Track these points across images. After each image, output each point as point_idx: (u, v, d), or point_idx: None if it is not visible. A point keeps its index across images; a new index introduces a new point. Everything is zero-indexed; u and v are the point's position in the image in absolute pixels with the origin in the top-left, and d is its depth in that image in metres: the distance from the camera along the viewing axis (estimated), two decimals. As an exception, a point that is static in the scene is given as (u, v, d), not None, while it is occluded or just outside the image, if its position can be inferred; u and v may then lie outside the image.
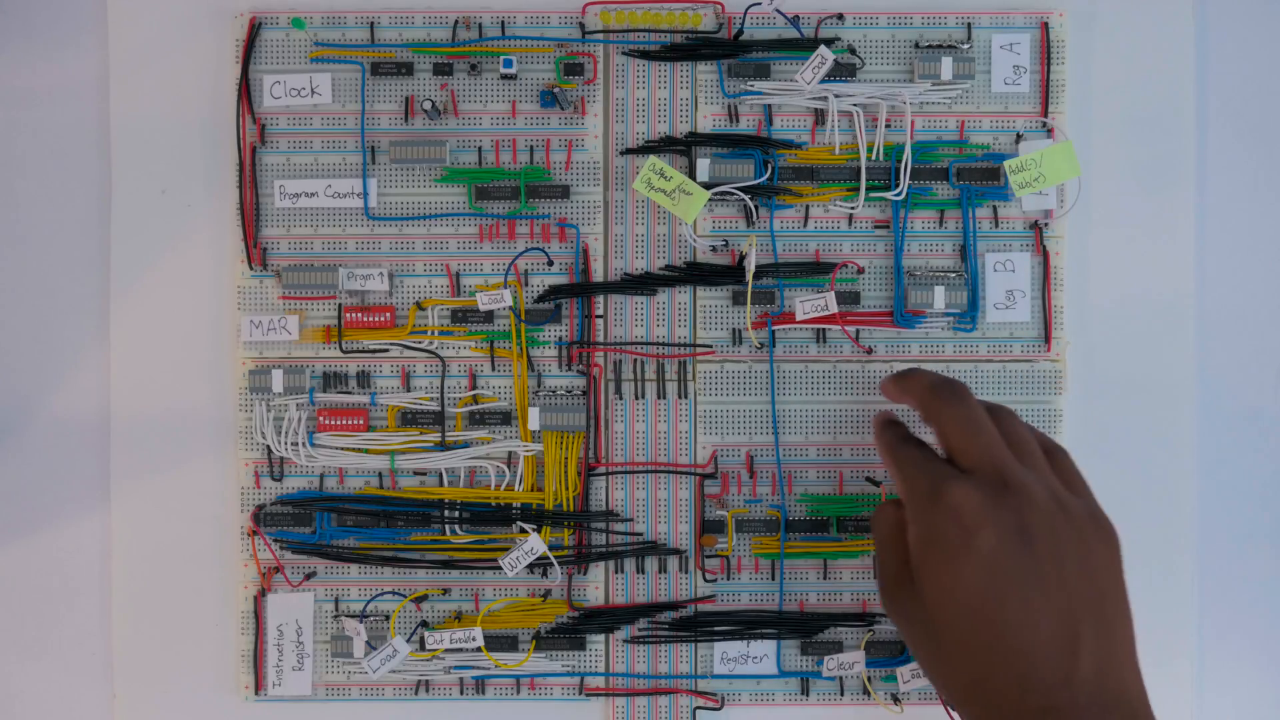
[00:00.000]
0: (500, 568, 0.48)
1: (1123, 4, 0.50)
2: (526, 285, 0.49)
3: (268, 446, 0.49)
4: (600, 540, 0.49)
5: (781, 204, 0.49)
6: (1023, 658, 0.33)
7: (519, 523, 0.49)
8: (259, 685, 0.49)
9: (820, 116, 0.49)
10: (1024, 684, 0.33)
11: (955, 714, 0.37)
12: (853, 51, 0.49)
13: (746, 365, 0.49)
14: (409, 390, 0.49)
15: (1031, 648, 0.33)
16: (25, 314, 0.50)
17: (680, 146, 0.49)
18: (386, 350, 0.49)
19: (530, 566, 0.48)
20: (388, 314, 0.49)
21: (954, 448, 0.38)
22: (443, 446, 0.49)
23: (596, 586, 0.50)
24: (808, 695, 0.49)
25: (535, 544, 0.48)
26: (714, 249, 0.49)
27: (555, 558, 0.49)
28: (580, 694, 0.49)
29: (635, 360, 0.49)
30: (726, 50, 0.49)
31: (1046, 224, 0.49)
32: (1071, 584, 0.35)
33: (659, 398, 0.49)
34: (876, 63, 0.49)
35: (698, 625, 0.49)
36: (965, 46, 0.49)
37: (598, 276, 0.49)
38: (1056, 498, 0.36)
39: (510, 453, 0.49)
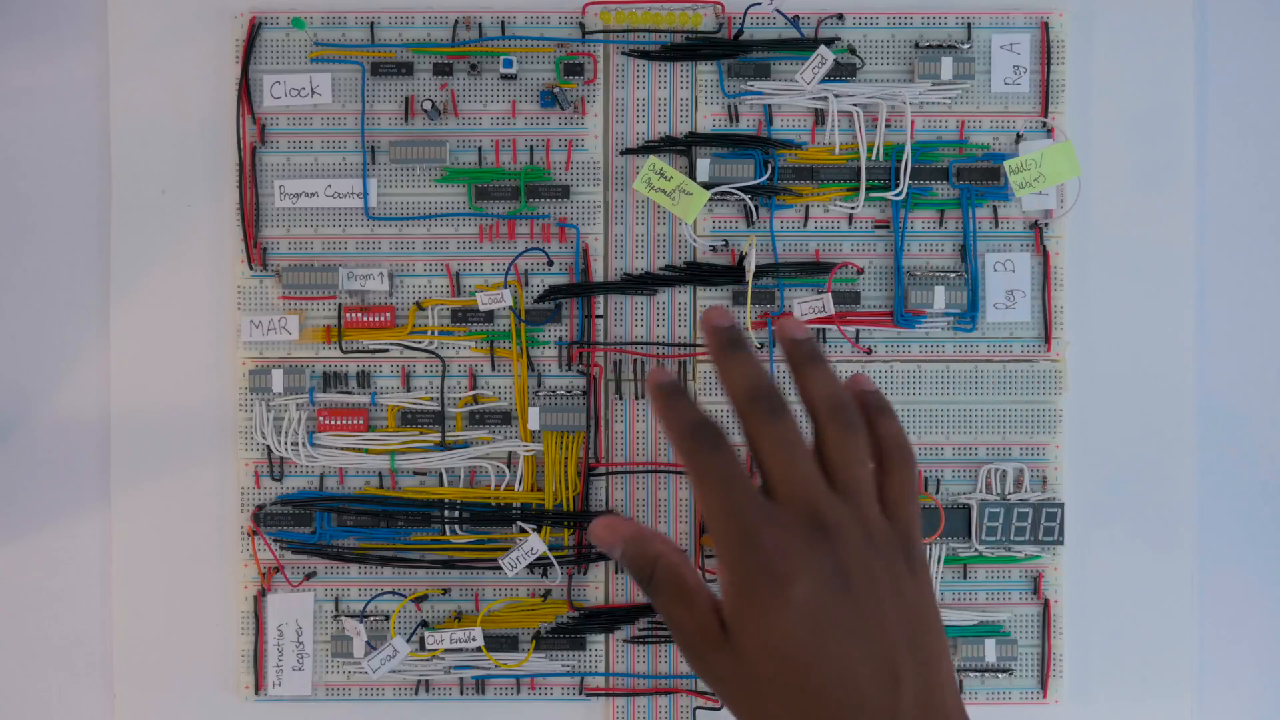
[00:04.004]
0: (500, 568, 0.48)
1: (1123, 4, 0.50)
2: (526, 285, 0.49)
3: (268, 446, 0.49)
4: (600, 540, 0.49)
5: (781, 204, 0.49)
6: (845, 705, 0.32)
7: (519, 523, 0.49)
8: (259, 685, 0.49)
9: (820, 116, 0.49)
10: None
11: None
12: (853, 51, 0.49)
13: (746, 365, 0.49)
14: (409, 390, 0.49)
15: (855, 696, 0.32)
16: (26, 314, 0.50)
17: (680, 146, 0.49)
18: (386, 350, 0.49)
19: (530, 566, 0.48)
20: (388, 314, 0.49)
21: (767, 471, 0.35)
22: (443, 446, 0.49)
23: (596, 586, 0.50)
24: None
25: (535, 544, 0.48)
26: (714, 249, 0.49)
27: (555, 558, 0.49)
28: (580, 694, 0.49)
29: (635, 360, 0.49)
30: (726, 50, 0.49)
31: (1046, 224, 0.49)
32: (889, 623, 0.34)
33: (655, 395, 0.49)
34: (876, 63, 0.49)
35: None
36: (965, 46, 0.49)
37: (598, 276, 0.49)
38: (869, 535, 0.34)
39: (510, 453, 0.49)
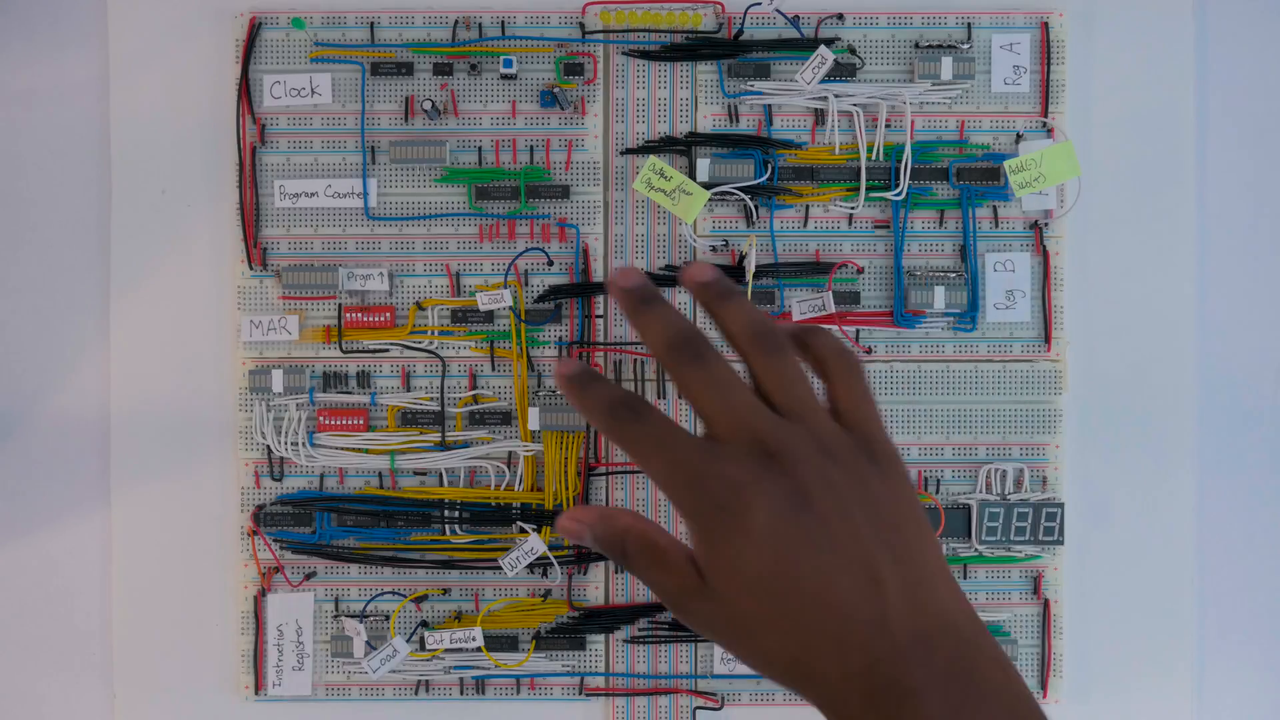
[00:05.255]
0: (500, 568, 0.48)
1: (1123, 4, 0.50)
2: (526, 285, 0.49)
3: (268, 446, 0.49)
4: (600, 540, 0.49)
5: (781, 204, 0.49)
6: (832, 621, 0.32)
7: (519, 523, 0.49)
8: (259, 685, 0.49)
9: (820, 116, 0.49)
10: (842, 646, 0.32)
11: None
12: (853, 51, 0.49)
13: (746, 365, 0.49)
14: (409, 390, 0.49)
15: (840, 608, 0.32)
16: (26, 314, 0.50)
17: (680, 146, 0.49)
18: (386, 350, 0.49)
19: (530, 566, 0.48)
20: (388, 314, 0.49)
21: (704, 416, 0.35)
22: (443, 446, 0.49)
23: (596, 586, 0.50)
24: (808, 695, 0.49)
25: (535, 544, 0.48)
26: (714, 249, 0.49)
27: (555, 558, 0.49)
28: (580, 694, 0.49)
29: (635, 360, 0.49)
30: (726, 50, 0.49)
31: (1046, 224, 0.49)
32: (862, 531, 0.33)
33: (659, 398, 0.49)
34: (876, 63, 0.49)
35: (698, 625, 0.49)
36: (965, 46, 0.49)
37: (598, 276, 0.49)
38: (823, 447, 0.34)
39: (510, 453, 0.49)
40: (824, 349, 0.37)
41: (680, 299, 0.50)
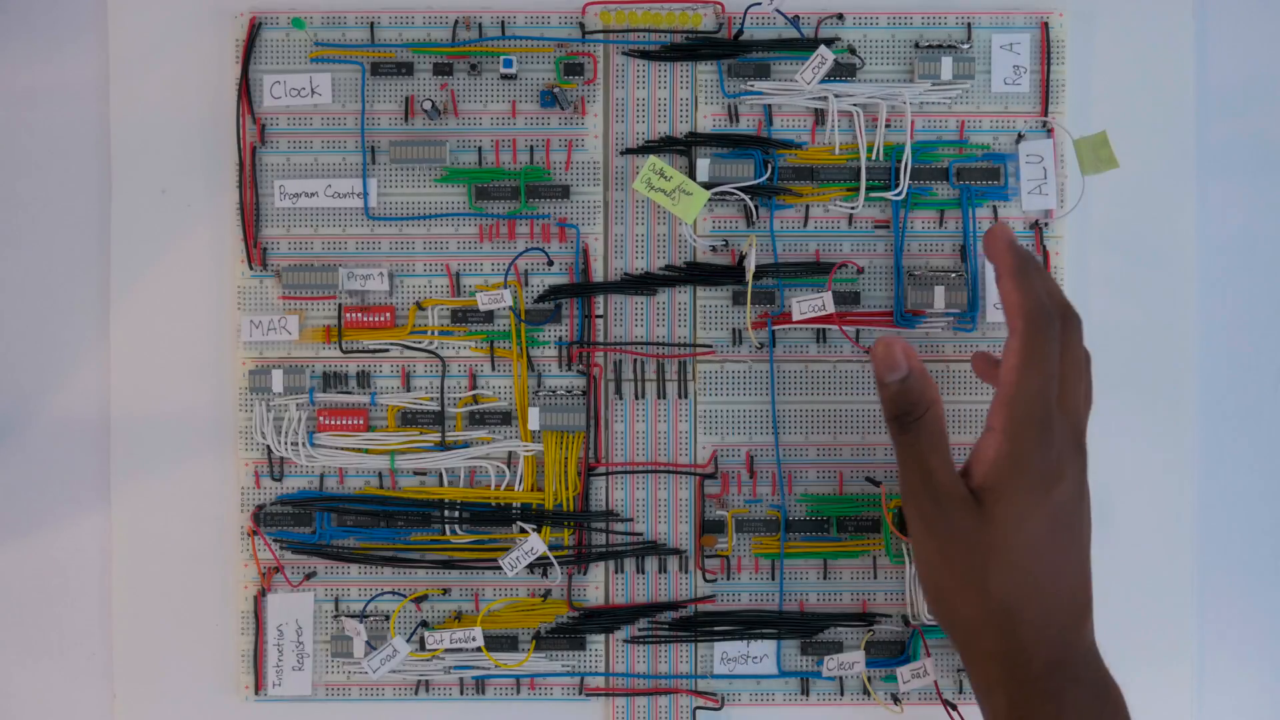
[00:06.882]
0: (500, 568, 0.48)
1: (1123, 4, 0.50)
2: (526, 285, 0.49)
3: (268, 446, 0.49)
4: (600, 540, 0.49)
5: (781, 204, 0.49)
6: (1055, 602, 0.37)
7: (519, 523, 0.49)
8: (259, 685, 0.49)
9: (820, 116, 0.49)
10: (1047, 619, 0.37)
11: (957, 643, 0.40)
12: (853, 51, 0.49)
13: (746, 365, 0.49)
14: (409, 390, 0.49)
15: (1067, 588, 0.37)
16: (25, 314, 0.50)
17: (680, 146, 0.49)
18: (386, 350, 0.49)
19: (530, 566, 0.48)
20: (388, 314, 0.49)
21: (1062, 380, 0.39)
22: (443, 446, 0.49)
23: (596, 586, 0.50)
24: (808, 695, 0.49)
25: (535, 544, 0.48)
26: (714, 249, 0.49)
27: (555, 558, 0.49)
28: (580, 694, 0.49)
29: (635, 360, 0.49)
30: (726, 50, 0.49)
31: (1046, 224, 0.49)
32: (1084, 547, 0.39)
33: (659, 398, 0.49)
34: (876, 63, 0.49)
35: (698, 625, 0.49)
36: (965, 46, 0.49)
37: (598, 276, 0.49)
38: (1082, 445, 0.40)
39: (510, 453, 0.49)
40: (1079, 342, 0.41)
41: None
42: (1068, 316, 0.40)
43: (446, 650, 0.49)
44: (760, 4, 0.48)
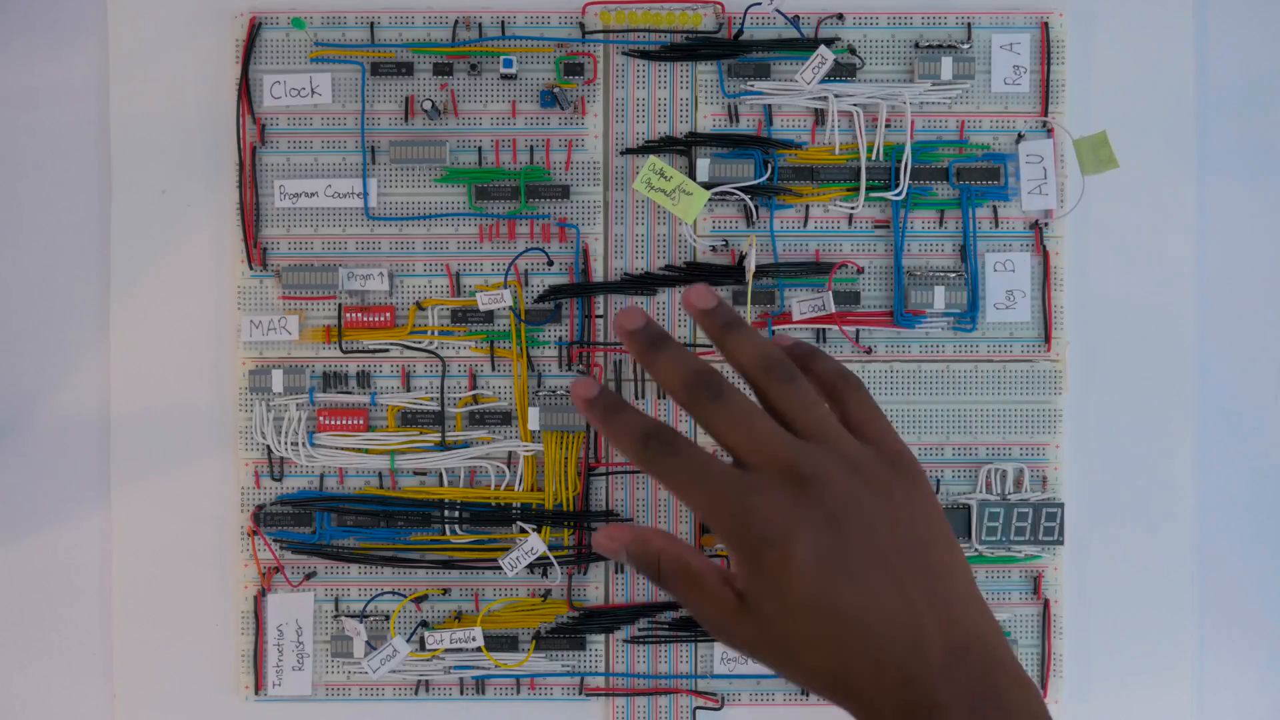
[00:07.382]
0: (500, 568, 0.48)
1: (1123, 4, 0.50)
2: (526, 285, 0.49)
3: (268, 446, 0.49)
4: (600, 540, 0.49)
5: (781, 204, 0.49)
6: (870, 642, 0.33)
7: (519, 523, 0.49)
8: (259, 685, 0.49)
9: (820, 116, 0.49)
10: (878, 664, 0.33)
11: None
12: (853, 51, 0.49)
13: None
14: (409, 390, 0.49)
15: (875, 628, 0.33)
16: (25, 314, 0.50)
17: (680, 146, 0.49)
18: (386, 350, 0.49)
19: (530, 566, 0.48)
20: (388, 314, 0.49)
21: (733, 449, 0.35)
22: (443, 446, 0.49)
23: (596, 586, 0.50)
24: (808, 695, 0.49)
25: (535, 544, 0.48)
26: (714, 249, 0.49)
27: (555, 558, 0.49)
28: (580, 694, 0.49)
29: (636, 361, 0.49)
30: (726, 50, 0.49)
31: (1046, 224, 0.49)
32: (890, 551, 0.34)
33: (659, 398, 0.49)
34: (876, 63, 0.49)
35: (697, 625, 0.49)
36: (965, 46, 0.49)
37: (598, 276, 0.49)
38: (850, 465, 0.35)
39: (510, 453, 0.49)
40: (827, 373, 0.38)
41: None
42: (699, 386, 0.36)
43: (446, 650, 0.49)
44: (760, 4, 0.48)
